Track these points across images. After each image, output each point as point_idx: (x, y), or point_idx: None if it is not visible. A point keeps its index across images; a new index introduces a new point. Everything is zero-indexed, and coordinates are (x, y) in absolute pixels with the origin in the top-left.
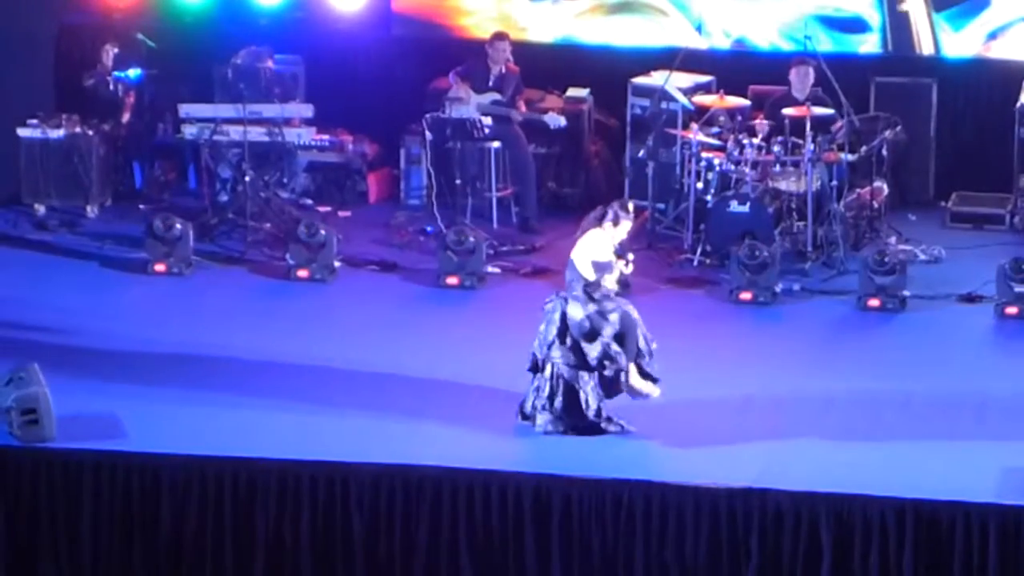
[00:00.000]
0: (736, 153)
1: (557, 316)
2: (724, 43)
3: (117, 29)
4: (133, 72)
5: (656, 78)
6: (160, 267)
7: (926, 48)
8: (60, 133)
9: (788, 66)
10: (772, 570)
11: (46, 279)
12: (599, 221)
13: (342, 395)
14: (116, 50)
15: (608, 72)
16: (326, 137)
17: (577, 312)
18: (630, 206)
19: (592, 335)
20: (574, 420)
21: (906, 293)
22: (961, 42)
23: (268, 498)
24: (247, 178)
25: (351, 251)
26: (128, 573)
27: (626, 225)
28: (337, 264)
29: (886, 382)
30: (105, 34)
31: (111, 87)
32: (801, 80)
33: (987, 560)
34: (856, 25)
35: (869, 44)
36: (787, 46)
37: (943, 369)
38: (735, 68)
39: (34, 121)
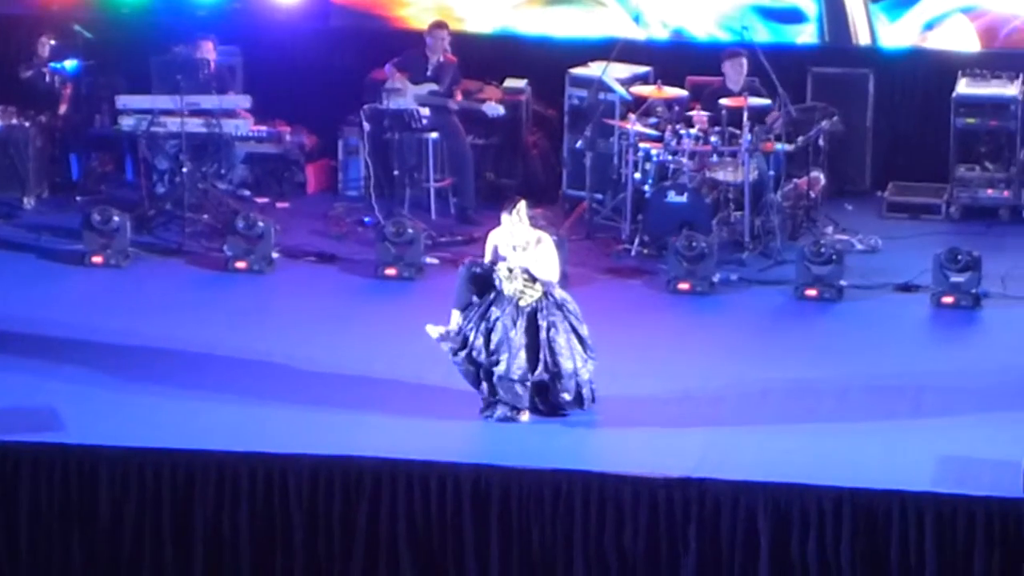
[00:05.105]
0: (674, 143)
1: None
2: (662, 34)
3: (54, 20)
4: (70, 63)
5: (594, 69)
6: (97, 259)
7: (863, 39)
8: None
9: (722, 58)
10: (710, 560)
11: None
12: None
13: (280, 386)
14: (53, 41)
15: (546, 63)
16: (264, 128)
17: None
18: (519, 205)
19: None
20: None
21: (843, 283)
22: (897, 32)
23: (207, 490)
24: (185, 169)
25: (289, 242)
26: (67, 565)
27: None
28: (275, 255)
29: (823, 371)
30: (42, 25)
31: (48, 78)
32: (734, 72)
33: (924, 548)
34: (793, 16)
35: (806, 35)
36: (725, 37)
37: (880, 358)
38: (673, 59)
39: None
